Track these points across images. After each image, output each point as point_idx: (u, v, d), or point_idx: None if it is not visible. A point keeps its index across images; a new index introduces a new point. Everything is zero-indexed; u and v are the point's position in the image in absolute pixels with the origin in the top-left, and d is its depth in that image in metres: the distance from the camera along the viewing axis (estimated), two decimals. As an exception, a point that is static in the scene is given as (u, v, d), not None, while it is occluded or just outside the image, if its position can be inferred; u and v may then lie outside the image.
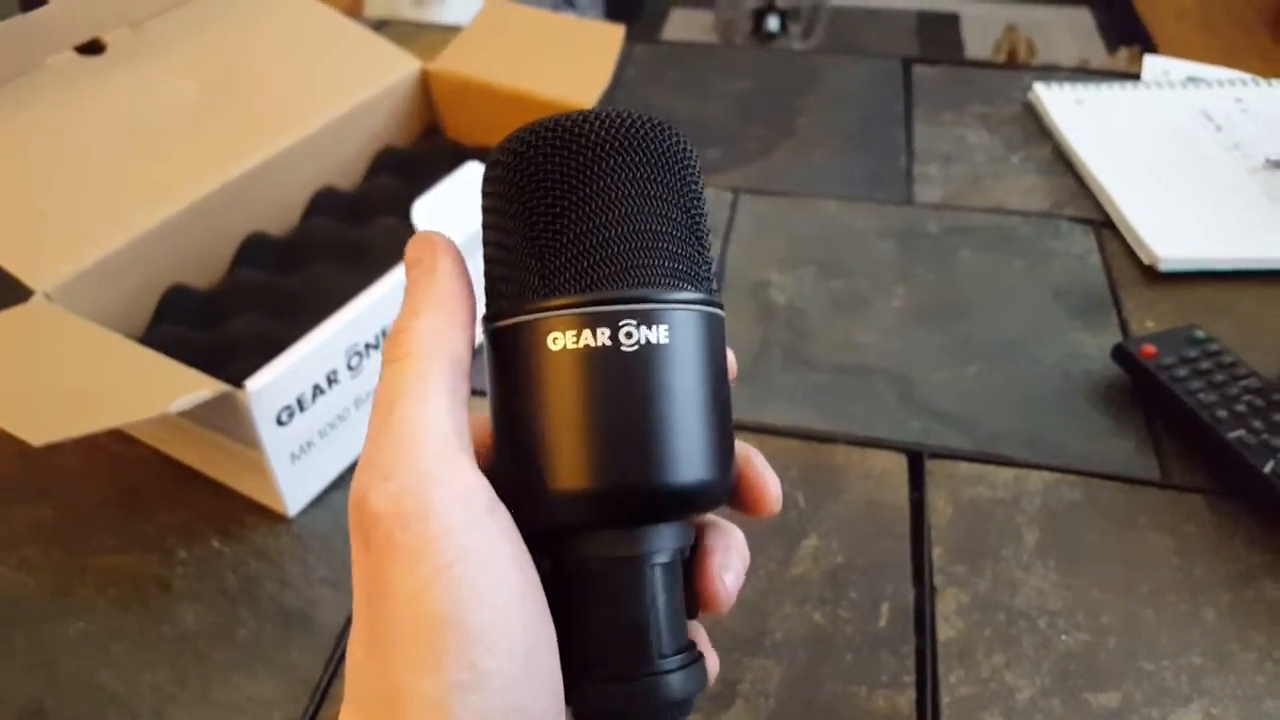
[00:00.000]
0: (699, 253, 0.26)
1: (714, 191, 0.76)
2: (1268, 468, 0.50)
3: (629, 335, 0.23)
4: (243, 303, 0.59)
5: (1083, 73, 0.91)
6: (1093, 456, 0.54)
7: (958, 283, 0.67)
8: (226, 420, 0.47)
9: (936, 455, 0.55)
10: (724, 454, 0.25)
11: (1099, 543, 0.50)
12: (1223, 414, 0.53)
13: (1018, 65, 1.91)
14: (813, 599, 0.47)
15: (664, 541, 0.25)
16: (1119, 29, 2.60)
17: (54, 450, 0.41)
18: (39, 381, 0.46)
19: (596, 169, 0.24)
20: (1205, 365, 0.56)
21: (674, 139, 0.26)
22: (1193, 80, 0.89)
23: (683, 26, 2.62)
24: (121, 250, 0.55)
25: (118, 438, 0.56)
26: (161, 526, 0.51)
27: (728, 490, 0.26)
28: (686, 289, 0.25)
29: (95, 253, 0.54)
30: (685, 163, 0.26)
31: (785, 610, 0.47)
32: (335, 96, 0.67)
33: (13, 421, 0.43)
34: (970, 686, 0.44)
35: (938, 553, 0.49)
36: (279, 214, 0.65)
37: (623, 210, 0.24)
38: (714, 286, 0.26)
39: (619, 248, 0.24)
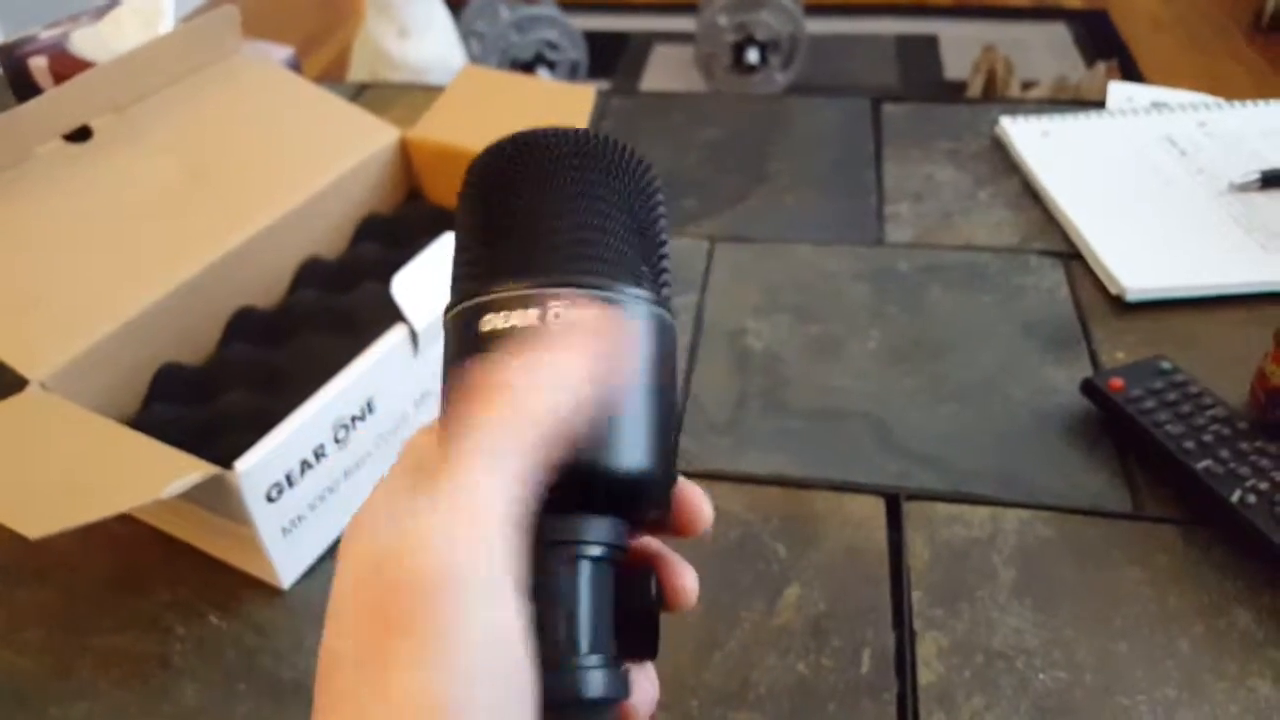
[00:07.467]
0: (638, 254, 0.26)
1: (690, 241, 0.77)
2: (1235, 496, 0.51)
3: (556, 316, 0.24)
4: (233, 378, 0.60)
5: (1049, 103, 0.93)
6: (1066, 491, 0.56)
7: (930, 322, 0.68)
8: (218, 499, 0.49)
9: (914, 497, 0.56)
10: (663, 450, 0.25)
11: (1073, 578, 0.51)
12: (1190, 445, 0.54)
13: (990, 99, 1.93)
14: (796, 649, 0.49)
15: (596, 533, 0.24)
16: (1096, 43, 2.63)
17: (54, 532, 0.43)
18: (35, 472, 0.48)
19: (546, 174, 0.26)
20: (1172, 396, 0.57)
21: (623, 152, 0.27)
22: (1156, 106, 0.91)
23: (665, 62, 2.66)
24: (114, 334, 0.56)
25: (116, 517, 0.57)
26: (160, 604, 0.53)
27: (666, 489, 0.26)
28: (623, 284, 0.25)
29: (89, 338, 0.55)
30: (634, 174, 0.27)
31: (769, 661, 0.48)
32: (318, 169, 0.69)
33: (11, 515, 0.44)
34: (951, 729, 0.45)
35: (917, 596, 0.51)
36: (267, 287, 0.66)
37: (565, 210, 0.26)
38: (660, 290, 0.27)
39: (557, 240, 0.25)
